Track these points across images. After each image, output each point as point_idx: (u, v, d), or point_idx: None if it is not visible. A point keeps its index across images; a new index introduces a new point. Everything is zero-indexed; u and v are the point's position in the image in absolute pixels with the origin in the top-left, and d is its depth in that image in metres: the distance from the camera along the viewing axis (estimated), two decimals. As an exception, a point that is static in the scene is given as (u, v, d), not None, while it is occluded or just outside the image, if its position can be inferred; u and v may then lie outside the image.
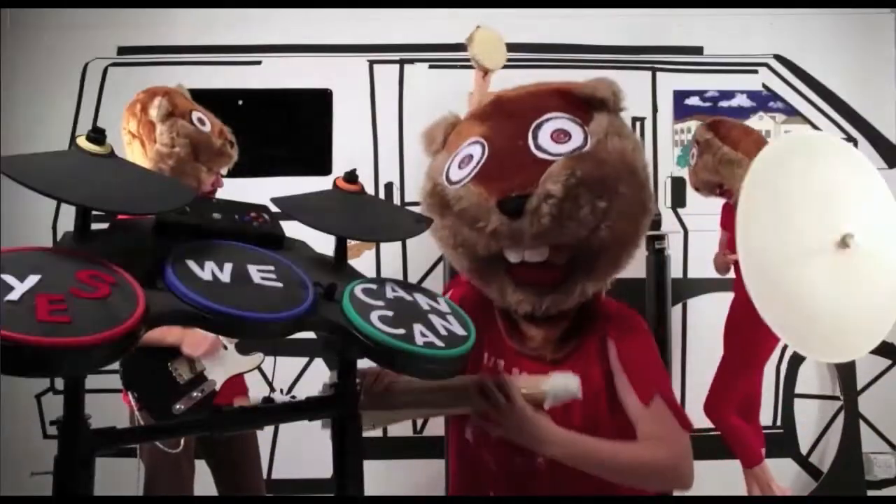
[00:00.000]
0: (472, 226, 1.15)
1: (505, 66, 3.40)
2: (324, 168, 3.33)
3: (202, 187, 2.04)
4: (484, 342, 1.28)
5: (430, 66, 3.45)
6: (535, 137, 1.15)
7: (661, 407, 1.17)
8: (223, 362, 2.08)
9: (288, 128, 3.43)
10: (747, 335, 2.68)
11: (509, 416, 1.09)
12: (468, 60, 3.43)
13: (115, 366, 1.96)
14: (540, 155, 1.13)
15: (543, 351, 1.27)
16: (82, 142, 0.92)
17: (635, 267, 1.33)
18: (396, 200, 3.39)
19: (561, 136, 1.15)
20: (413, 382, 1.21)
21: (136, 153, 2.01)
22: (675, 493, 1.23)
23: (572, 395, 1.11)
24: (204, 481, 2.19)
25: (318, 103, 3.42)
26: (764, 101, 3.43)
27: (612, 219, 1.13)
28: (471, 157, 1.19)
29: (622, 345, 1.23)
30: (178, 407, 1.97)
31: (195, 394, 2.00)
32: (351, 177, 1.20)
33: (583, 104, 1.20)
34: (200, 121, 2.04)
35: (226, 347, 2.10)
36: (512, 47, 3.44)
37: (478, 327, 1.15)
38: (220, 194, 2.12)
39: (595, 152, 1.13)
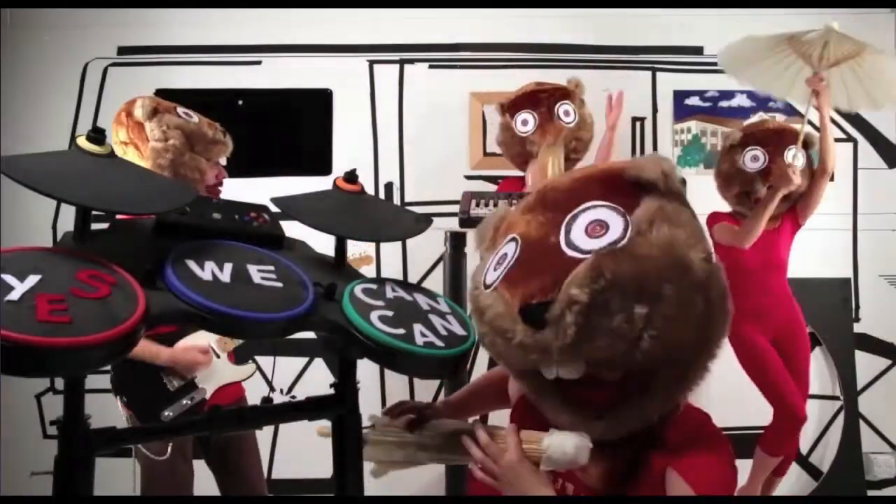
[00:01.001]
0: (503, 336, 0.98)
1: (505, 67, 3.41)
2: (324, 168, 3.34)
3: (205, 179, 2.03)
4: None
5: (430, 66, 3.45)
6: (567, 232, 0.97)
7: None
8: (214, 371, 2.08)
9: (288, 128, 3.43)
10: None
11: (501, 465, 1.00)
12: (468, 60, 3.44)
13: (110, 367, 1.97)
14: (570, 253, 0.94)
15: (600, 484, 1.06)
16: (82, 142, 0.92)
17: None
18: (396, 200, 3.39)
19: (597, 228, 0.95)
20: (437, 428, 1.17)
21: (133, 160, 1.98)
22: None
23: (570, 459, 0.97)
24: (204, 481, 2.19)
25: (318, 103, 3.42)
26: (764, 101, 3.43)
27: (656, 327, 0.90)
28: (505, 255, 1.03)
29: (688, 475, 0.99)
30: (166, 414, 1.96)
31: (185, 401, 1.99)
32: (351, 177, 1.20)
33: (631, 188, 0.99)
34: (187, 114, 2.04)
35: (217, 356, 2.10)
36: (512, 47, 3.45)
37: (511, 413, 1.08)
38: (222, 193, 2.12)
39: (632, 247, 0.91)
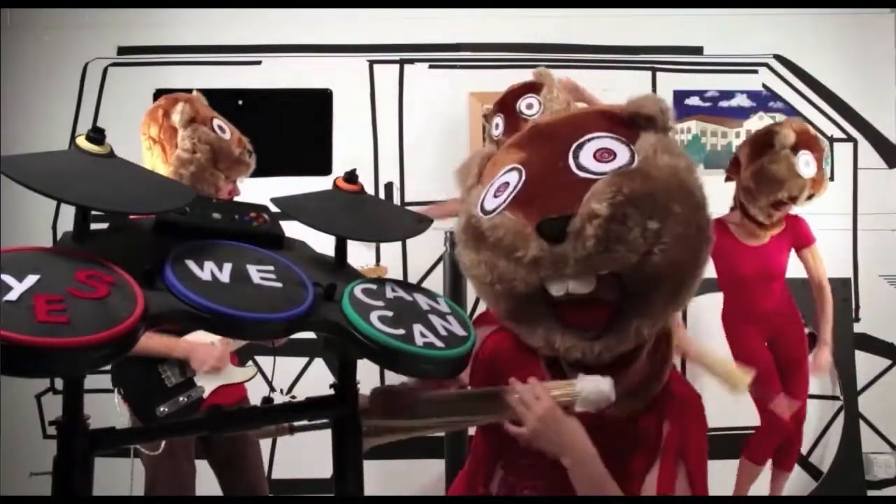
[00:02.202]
0: (510, 256, 1.03)
1: (505, 67, 3.41)
2: (324, 168, 3.33)
3: (219, 195, 2.05)
4: None
5: (430, 66, 3.45)
6: (576, 157, 1.04)
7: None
8: (215, 371, 2.08)
9: (288, 128, 3.43)
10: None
11: (538, 416, 1.03)
12: (468, 60, 3.44)
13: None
14: (582, 174, 1.02)
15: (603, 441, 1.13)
16: (82, 142, 0.92)
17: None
18: (396, 200, 3.39)
19: (605, 154, 1.04)
20: (440, 392, 1.18)
21: (155, 158, 2.01)
22: None
23: (605, 397, 1.03)
24: (205, 481, 2.19)
25: (318, 103, 3.42)
26: (764, 101, 3.43)
27: (665, 242, 0.99)
28: (507, 184, 1.09)
29: (684, 432, 1.12)
30: (161, 409, 1.96)
31: (181, 398, 1.99)
32: (351, 177, 1.20)
33: (627, 123, 1.09)
34: (221, 128, 2.05)
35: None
36: (512, 47, 3.45)
37: (512, 376, 1.09)
38: (233, 199, 2.13)
39: (643, 168, 1.01)
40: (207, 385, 2.05)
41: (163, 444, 1.94)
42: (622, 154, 1.03)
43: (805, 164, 2.64)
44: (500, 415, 1.11)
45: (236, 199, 2.13)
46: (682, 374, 1.17)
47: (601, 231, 0.95)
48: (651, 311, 1.06)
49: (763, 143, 2.71)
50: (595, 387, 1.04)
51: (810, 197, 2.69)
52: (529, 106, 2.71)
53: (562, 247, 0.97)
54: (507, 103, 2.75)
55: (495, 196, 1.08)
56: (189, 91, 2.19)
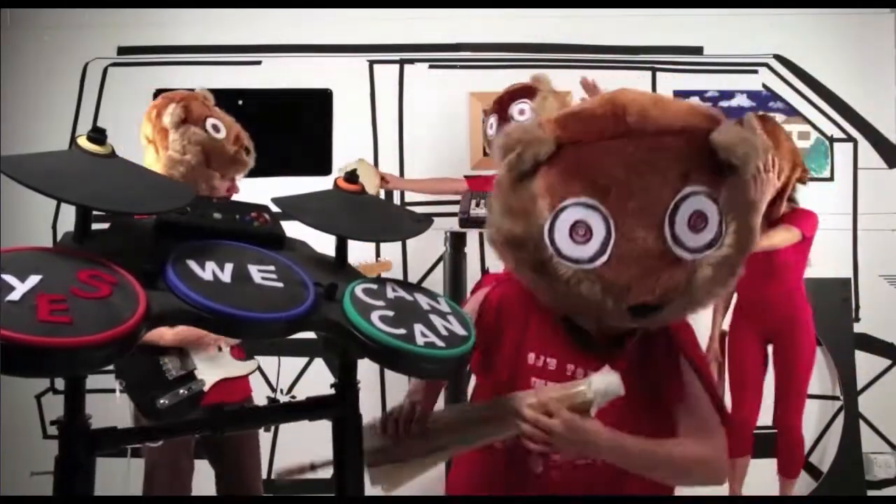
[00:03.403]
0: (584, 308, 1.09)
1: (505, 67, 3.41)
2: (324, 168, 3.33)
3: (215, 193, 2.05)
4: (526, 341, 1.21)
5: (430, 66, 3.45)
6: (671, 225, 0.99)
7: (705, 403, 1.18)
8: (216, 364, 2.07)
9: (288, 128, 3.43)
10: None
11: (559, 436, 1.05)
12: (468, 60, 3.44)
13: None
14: (678, 252, 1.00)
15: (601, 348, 1.19)
16: (82, 142, 0.92)
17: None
18: (396, 200, 3.39)
19: (699, 222, 1.01)
20: (449, 419, 1.18)
21: (150, 158, 2.03)
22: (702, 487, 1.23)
23: (616, 392, 1.07)
24: (204, 482, 2.19)
25: (318, 103, 3.41)
26: (764, 101, 3.43)
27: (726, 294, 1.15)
28: (588, 230, 1.01)
29: (685, 347, 1.22)
30: (161, 401, 1.95)
31: (182, 391, 1.98)
32: (351, 177, 1.20)
33: (713, 158, 1.02)
34: (215, 127, 2.05)
35: (220, 349, 2.09)
36: (512, 47, 3.45)
37: (519, 326, 1.13)
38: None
39: (736, 255, 1.05)
40: (208, 378, 2.05)
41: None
42: (712, 221, 1.02)
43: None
44: (510, 431, 1.11)
45: (235, 196, 2.13)
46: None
47: (687, 310, 1.11)
48: (701, 298, 1.11)
49: None
50: (605, 386, 1.07)
51: (800, 180, 2.69)
52: (521, 112, 2.70)
53: (647, 319, 1.07)
54: (503, 105, 2.75)
55: (572, 238, 1.02)
56: (191, 90, 2.18)
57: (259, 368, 2.25)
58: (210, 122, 2.04)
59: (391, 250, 3.27)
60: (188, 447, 2.09)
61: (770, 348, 2.90)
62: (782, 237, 2.62)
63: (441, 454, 1.21)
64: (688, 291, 1.03)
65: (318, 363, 3.26)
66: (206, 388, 2.03)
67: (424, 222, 1.26)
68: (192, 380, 2.02)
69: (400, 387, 3.31)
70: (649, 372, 1.19)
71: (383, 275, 2.97)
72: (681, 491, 1.26)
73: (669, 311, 1.05)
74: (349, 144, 3.39)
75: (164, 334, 1.96)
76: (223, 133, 2.06)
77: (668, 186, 1.00)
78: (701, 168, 1.01)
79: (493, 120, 2.76)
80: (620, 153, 1.01)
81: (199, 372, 2.04)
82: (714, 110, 1.09)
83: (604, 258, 1.01)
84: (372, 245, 3.21)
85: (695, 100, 3.42)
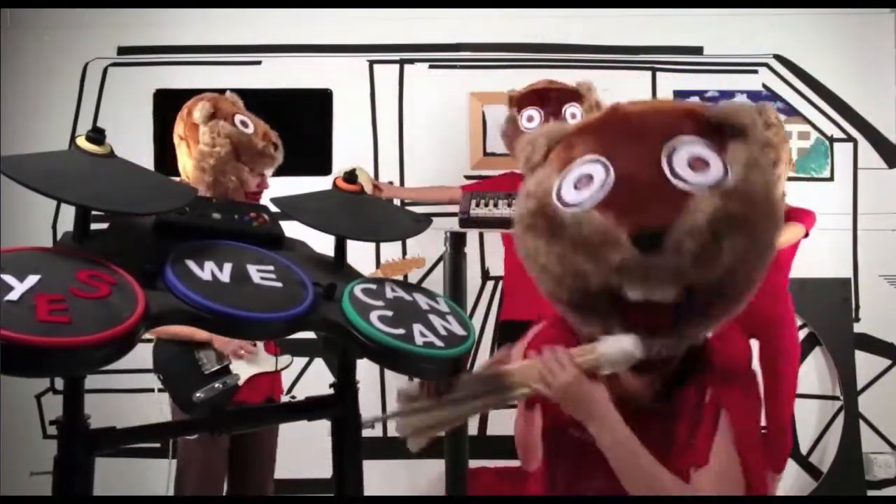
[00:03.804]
0: (594, 257, 1.01)
1: (505, 67, 3.41)
2: (324, 168, 3.33)
3: (245, 187, 2.11)
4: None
5: (430, 66, 3.45)
6: (670, 162, 1.01)
7: (731, 470, 1.09)
8: (250, 359, 2.13)
9: (288, 128, 3.42)
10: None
11: (561, 384, 1.05)
12: (468, 60, 3.44)
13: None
14: (678, 184, 0.99)
15: (641, 401, 1.16)
16: (82, 142, 0.92)
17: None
18: (396, 201, 3.39)
19: (699, 163, 1.01)
20: (471, 377, 1.16)
21: (183, 155, 2.10)
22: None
23: (629, 354, 1.03)
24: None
25: (318, 103, 3.41)
26: (764, 101, 3.43)
27: (751, 260, 1.03)
28: (590, 177, 1.05)
29: (725, 389, 1.13)
30: (198, 395, 2.00)
31: (217, 385, 2.04)
32: (351, 177, 1.20)
33: (715, 128, 1.06)
34: (243, 123, 2.11)
35: (254, 345, 2.14)
36: (512, 47, 3.45)
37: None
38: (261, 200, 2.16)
39: (741, 188, 1.00)
40: (243, 373, 2.09)
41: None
42: (715, 165, 1.01)
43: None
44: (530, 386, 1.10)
45: (265, 192, 2.18)
46: (723, 335, 1.18)
47: (698, 249, 0.96)
48: (714, 316, 1.08)
49: None
50: (618, 347, 1.04)
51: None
52: (573, 116, 2.69)
53: (655, 258, 0.98)
54: (549, 100, 2.72)
55: (576, 188, 1.05)
56: (190, 91, 2.23)
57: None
58: (238, 118, 2.11)
59: (391, 250, 3.28)
60: (223, 447, 2.11)
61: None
62: (792, 233, 2.60)
63: (465, 408, 1.19)
64: (692, 220, 0.96)
65: (318, 363, 3.26)
66: (240, 383, 2.08)
67: (423, 222, 1.26)
68: (227, 374, 2.07)
69: (400, 387, 3.31)
70: (682, 426, 1.13)
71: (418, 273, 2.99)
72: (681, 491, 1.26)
73: (678, 248, 0.97)
74: (349, 144, 3.39)
75: (198, 331, 1.97)
76: (251, 128, 2.13)
77: (663, 131, 1.05)
78: (698, 128, 1.05)
79: (534, 113, 2.72)
80: (622, 122, 1.11)
81: (234, 366, 2.09)
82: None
83: (602, 194, 1.02)
84: (373, 245, 3.21)
85: (695, 100, 3.43)
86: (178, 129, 2.12)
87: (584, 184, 1.04)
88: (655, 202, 0.99)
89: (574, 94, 2.76)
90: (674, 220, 0.96)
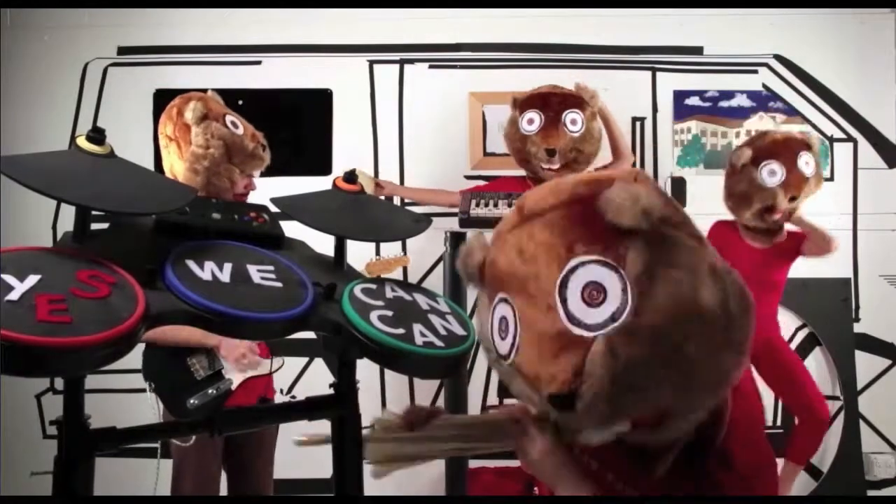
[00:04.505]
0: (530, 403, 0.98)
1: (505, 67, 3.42)
2: (324, 168, 3.34)
3: (235, 189, 2.08)
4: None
5: (430, 66, 3.45)
6: (563, 300, 0.90)
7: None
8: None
9: (288, 128, 3.43)
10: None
11: (532, 460, 1.03)
12: (468, 60, 3.44)
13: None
14: (576, 331, 0.89)
15: (645, 485, 1.08)
16: (82, 142, 0.92)
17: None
18: (396, 201, 3.39)
19: (594, 294, 0.88)
20: (458, 420, 1.16)
21: (172, 156, 2.05)
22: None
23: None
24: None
25: (318, 103, 3.42)
26: (764, 101, 3.43)
27: (687, 374, 0.90)
28: (505, 321, 0.98)
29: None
30: (191, 402, 1.99)
31: (210, 391, 2.03)
32: (351, 177, 1.20)
33: (613, 227, 0.89)
34: (234, 124, 2.08)
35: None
36: (512, 47, 3.46)
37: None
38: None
39: (640, 319, 0.86)
40: (235, 377, 2.09)
41: (193, 437, 1.95)
42: (613, 290, 0.87)
43: (770, 173, 2.68)
44: (505, 444, 1.09)
45: (252, 193, 2.16)
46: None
47: (611, 403, 0.88)
48: (699, 404, 0.97)
49: (729, 163, 2.81)
50: None
51: (793, 199, 2.70)
52: (573, 122, 2.74)
53: (577, 416, 0.90)
54: (551, 105, 2.77)
55: (501, 336, 0.99)
56: (204, 90, 2.21)
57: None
58: (229, 118, 2.08)
59: (391, 250, 3.28)
60: (217, 451, 2.10)
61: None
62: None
63: (439, 447, 1.20)
64: (596, 384, 0.86)
65: (318, 363, 3.26)
66: (233, 387, 2.07)
67: (423, 222, 1.26)
68: (220, 379, 2.06)
69: (400, 387, 3.32)
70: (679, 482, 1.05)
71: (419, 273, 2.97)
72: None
73: (592, 408, 0.89)
74: (349, 144, 3.40)
75: (209, 336, 1.98)
76: (242, 129, 2.10)
77: (554, 263, 0.92)
78: (589, 235, 0.91)
79: (534, 115, 2.76)
80: (516, 244, 0.98)
81: (227, 371, 2.08)
82: (613, 173, 0.98)
83: (514, 350, 0.96)
84: (372, 245, 3.21)
85: (695, 99, 3.43)
86: (167, 129, 2.06)
87: (503, 329, 0.98)
88: (556, 361, 0.90)
89: (576, 101, 2.78)
90: (579, 384, 0.87)
